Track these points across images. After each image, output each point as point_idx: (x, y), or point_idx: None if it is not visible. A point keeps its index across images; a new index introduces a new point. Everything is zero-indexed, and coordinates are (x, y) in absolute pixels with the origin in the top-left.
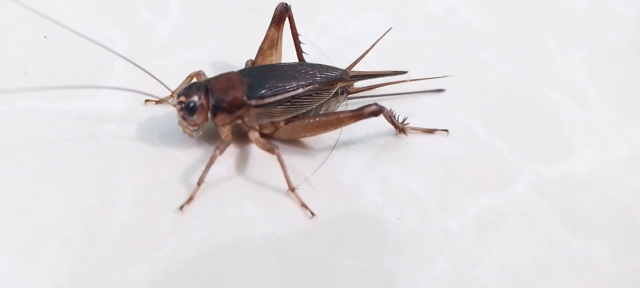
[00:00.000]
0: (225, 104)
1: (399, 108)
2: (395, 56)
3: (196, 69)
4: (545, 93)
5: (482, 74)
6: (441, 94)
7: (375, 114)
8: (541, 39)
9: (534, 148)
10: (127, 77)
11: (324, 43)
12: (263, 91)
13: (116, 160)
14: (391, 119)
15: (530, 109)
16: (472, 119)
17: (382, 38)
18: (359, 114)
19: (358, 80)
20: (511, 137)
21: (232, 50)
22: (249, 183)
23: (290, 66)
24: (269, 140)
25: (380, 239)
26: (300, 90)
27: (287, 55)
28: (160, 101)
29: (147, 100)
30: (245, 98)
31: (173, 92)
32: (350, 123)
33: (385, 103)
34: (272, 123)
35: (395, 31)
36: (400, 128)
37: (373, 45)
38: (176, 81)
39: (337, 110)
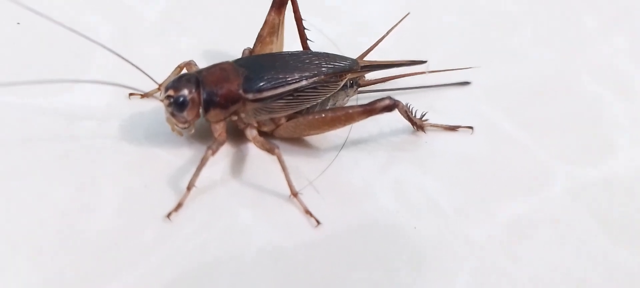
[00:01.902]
0: (218, 98)
1: (417, 102)
2: (413, 44)
3: (186, 59)
4: (584, 84)
5: (512, 63)
6: (465, 87)
7: (389, 108)
8: (580, 23)
9: (571, 147)
10: (108, 68)
11: (331, 29)
12: (262, 83)
13: (96, 161)
14: (407, 114)
15: (567, 102)
16: (500, 114)
17: (399, 23)
18: (370, 109)
19: (370, 71)
20: (544, 134)
21: (227, 38)
22: (246, 187)
23: (292, 55)
24: (269, 139)
25: (394, 250)
26: (304, 83)
27: (290, 43)
28: (145, 95)
29: (131, 94)
30: (241, 91)
31: (160, 85)
32: (361, 119)
33: (402, 97)
34: (272, 120)
35: (414, 15)
36: (418, 125)
37: (388, 31)
38: (164, 73)
39: (346, 105)
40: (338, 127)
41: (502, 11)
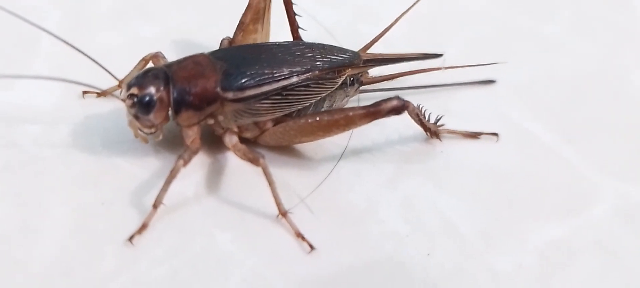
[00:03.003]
0: (192, 98)
1: (431, 104)
2: (427, 34)
3: (152, 50)
4: (634, 83)
5: (546, 57)
6: (489, 86)
7: (397, 110)
8: (630, 8)
9: (620, 159)
10: (57, 61)
11: (327, 16)
12: (243, 80)
13: (42, 173)
14: (419, 118)
15: (613, 104)
16: (532, 118)
17: (410, 9)
18: (375, 112)
19: (375, 66)
20: (587, 143)
21: (201, 25)
22: (224, 206)
23: (281, 47)
24: (252, 147)
25: (403, 281)
26: (295, 79)
27: (277, 32)
28: (103, 94)
29: (85, 93)
30: (219, 89)
31: (121, 82)
32: (363, 124)
33: (413, 98)
34: (256, 124)
35: None
36: (432, 131)
37: (397, 18)
38: (124, 67)
39: (346, 106)
40: (336, 133)
41: None
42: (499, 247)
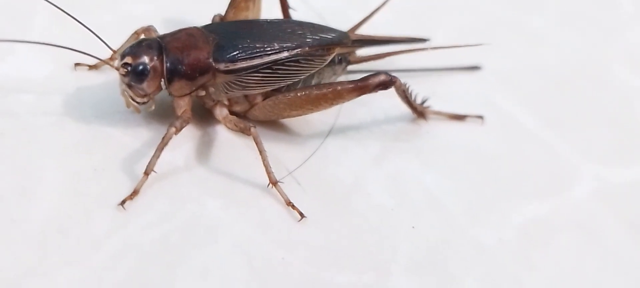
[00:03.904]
0: (185, 68)
1: (418, 87)
2: (414, 21)
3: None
4: (617, 74)
5: (532, 47)
6: (475, 72)
7: (384, 85)
8: (616, 4)
9: (599, 144)
10: (51, 31)
11: (317, 1)
12: (235, 52)
13: (37, 140)
14: (405, 95)
15: (596, 93)
16: (516, 104)
17: None
18: (362, 86)
19: (362, 46)
20: (568, 128)
21: (193, 3)
22: (214, 175)
23: (271, 23)
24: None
25: (388, 251)
26: (285, 54)
27: (268, 12)
28: (96, 66)
29: (77, 65)
30: (211, 60)
31: (114, 52)
32: (351, 98)
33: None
34: (246, 97)
35: None
36: (419, 111)
37: (384, 3)
38: (115, 43)
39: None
40: (324, 107)
41: None
42: (482, 221)
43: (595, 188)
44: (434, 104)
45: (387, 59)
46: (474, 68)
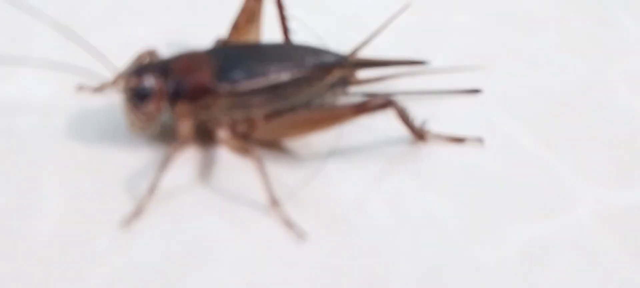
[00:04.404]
0: (188, 89)
1: (417, 110)
2: (414, 44)
3: (147, 48)
4: (620, 96)
5: (532, 69)
6: (475, 95)
7: (382, 107)
8: (619, 26)
9: (600, 165)
10: (53, 52)
11: (318, 22)
12: (237, 75)
13: (40, 159)
14: (405, 118)
15: (597, 115)
16: (517, 126)
17: (396, 18)
18: (361, 108)
19: (362, 68)
20: (569, 150)
21: (195, 26)
22: (216, 195)
23: (273, 46)
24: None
25: (388, 272)
26: (286, 76)
27: (267, 35)
28: (99, 88)
29: (80, 87)
30: (213, 82)
31: (117, 76)
32: (351, 119)
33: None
34: (248, 119)
35: (416, 9)
36: (419, 133)
37: (384, 25)
38: (118, 64)
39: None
40: (324, 128)
41: (525, 11)
42: (482, 242)
43: (596, 210)
44: (433, 126)
45: (387, 81)
46: (474, 91)
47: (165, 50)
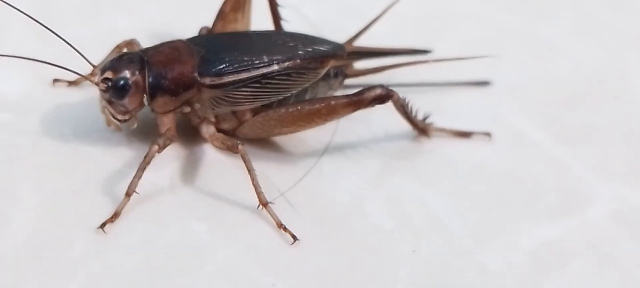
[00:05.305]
0: (168, 83)
1: (420, 102)
2: (416, 31)
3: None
4: (636, 87)
5: (545, 59)
6: (483, 87)
7: (381, 99)
8: (638, 13)
9: (616, 161)
10: (27, 45)
11: (312, 11)
12: (222, 66)
13: (13, 161)
14: (405, 110)
15: (613, 107)
16: (527, 119)
17: (396, 4)
18: (357, 100)
19: (359, 58)
20: (583, 145)
21: (178, 17)
22: (200, 196)
23: (261, 35)
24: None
25: (387, 276)
26: (275, 67)
27: (258, 24)
28: (75, 82)
29: (56, 80)
30: (196, 75)
31: (94, 68)
32: (346, 113)
33: (400, 93)
34: (235, 114)
35: None
36: (421, 127)
37: (382, 13)
38: (97, 57)
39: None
40: (317, 124)
41: None
42: (489, 245)
43: (611, 209)
44: (437, 120)
45: (387, 72)
46: (482, 83)
47: (147, 41)
